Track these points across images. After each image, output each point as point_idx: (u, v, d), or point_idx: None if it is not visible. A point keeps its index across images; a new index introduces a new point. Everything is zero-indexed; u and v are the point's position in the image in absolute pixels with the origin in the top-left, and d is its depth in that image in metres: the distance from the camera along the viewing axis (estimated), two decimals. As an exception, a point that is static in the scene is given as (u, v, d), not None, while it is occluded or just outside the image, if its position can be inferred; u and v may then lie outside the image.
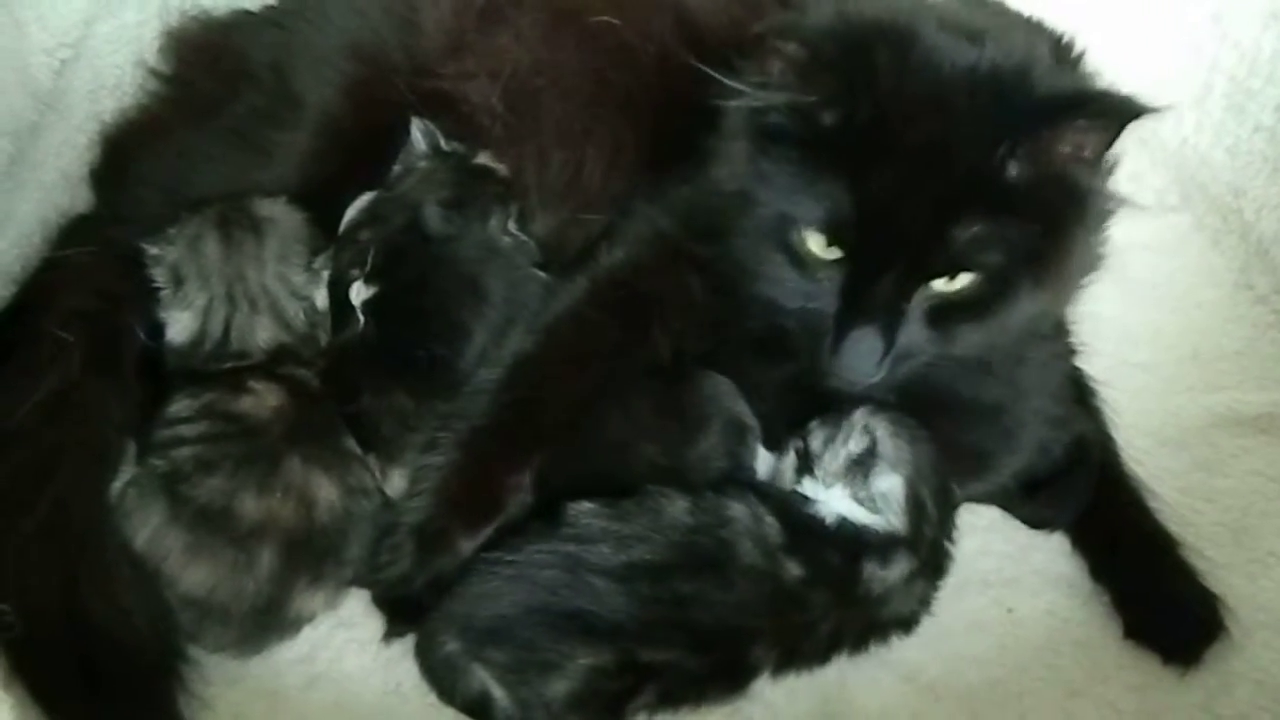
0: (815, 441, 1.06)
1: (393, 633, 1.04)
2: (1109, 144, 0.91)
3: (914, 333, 0.95)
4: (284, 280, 1.13)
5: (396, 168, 1.21)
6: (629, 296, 1.11)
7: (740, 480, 1.07)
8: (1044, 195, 0.90)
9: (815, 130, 0.91)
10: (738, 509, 1.01)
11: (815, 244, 0.94)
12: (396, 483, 1.09)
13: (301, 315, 1.14)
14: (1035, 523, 1.17)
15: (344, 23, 1.31)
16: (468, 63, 1.23)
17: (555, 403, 1.07)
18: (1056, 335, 1.19)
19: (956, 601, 1.11)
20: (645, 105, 1.20)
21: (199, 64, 1.33)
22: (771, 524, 1.00)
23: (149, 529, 1.02)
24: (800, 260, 0.95)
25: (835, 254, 0.94)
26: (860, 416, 1.05)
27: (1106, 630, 1.10)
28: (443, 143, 1.21)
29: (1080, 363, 1.25)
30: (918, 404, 1.08)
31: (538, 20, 1.24)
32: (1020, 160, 0.88)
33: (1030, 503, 1.17)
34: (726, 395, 1.11)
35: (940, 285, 0.93)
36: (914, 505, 1.02)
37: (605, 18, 1.21)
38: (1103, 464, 1.17)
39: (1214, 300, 1.44)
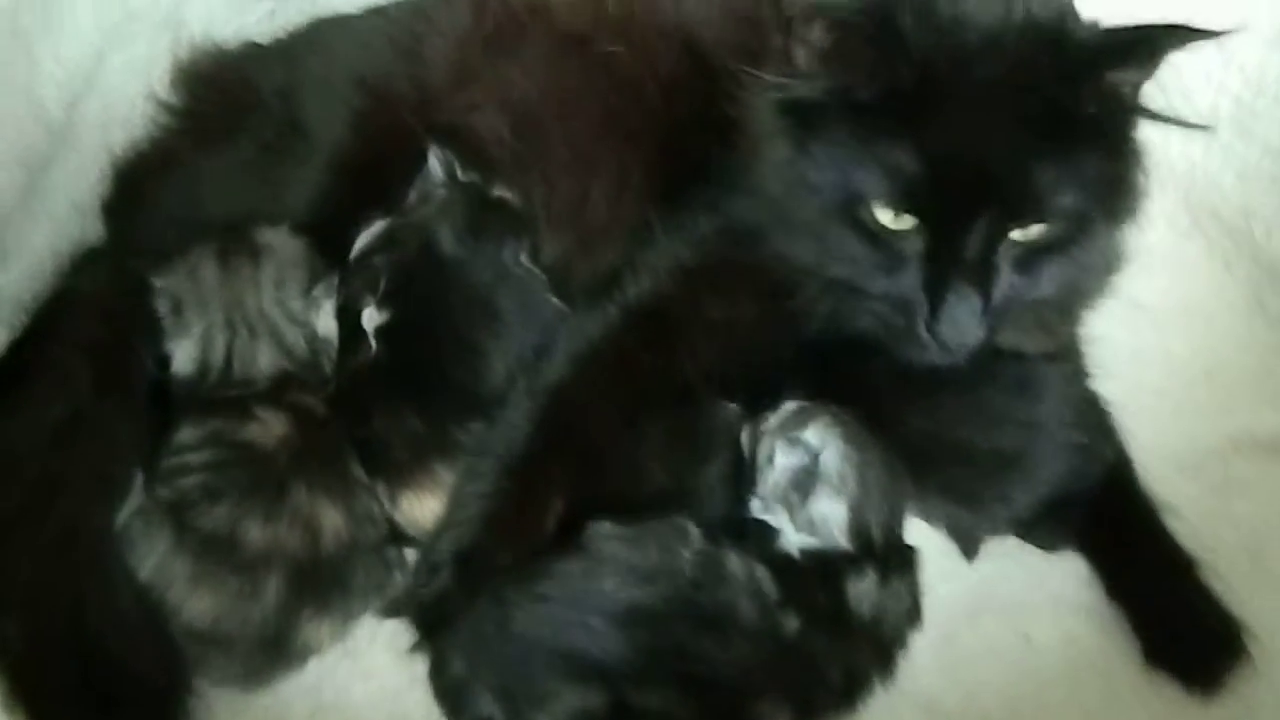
0: (762, 449, 1.04)
1: (421, 648, 1.03)
2: (1152, 71, 0.93)
3: (1007, 285, 0.95)
4: (281, 306, 1.13)
5: (412, 195, 1.21)
6: (658, 326, 1.12)
7: (735, 523, 1.06)
8: (1107, 128, 0.93)
9: (861, 105, 0.91)
10: (734, 564, 0.98)
11: (886, 216, 0.93)
12: (407, 508, 1.08)
13: (302, 342, 1.13)
14: (1048, 545, 1.16)
15: (350, 55, 1.32)
16: (475, 93, 1.24)
17: (593, 430, 1.08)
18: (1069, 356, 1.18)
19: (973, 628, 1.09)
20: (651, 132, 1.20)
21: (209, 96, 1.34)
22: (764, 576, 0.98)
23: (154, 558, 1.01)
24: (874, 236, 0.95)
25: (909, 222, 0.93)
26: (812, 430, 1.03)
27: (1126, 656, 1.07)
28: (459, 172, 1.21)
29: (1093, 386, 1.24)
30: (933, 461, 1.08)
31: (544, 50, 1.25)
32: (1085, 98, 0.90)
33: (1041, 525, 1.15)
34: (737, 425, 1.11)
35: (1022, 234, 0.93)
36: (858, 533, 1.01)
37: (611, 47, 1.21)
38: (1120, 485, 1.16)
39: (1227, 323, 1.42)
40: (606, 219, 1.21)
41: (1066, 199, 0.92)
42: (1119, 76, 0.91)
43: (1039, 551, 1.16)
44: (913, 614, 1.01)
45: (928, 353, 0.98)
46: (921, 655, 1.05)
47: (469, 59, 1.26)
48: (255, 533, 1.01)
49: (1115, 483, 1.16)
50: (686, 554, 0.97)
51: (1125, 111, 0.94)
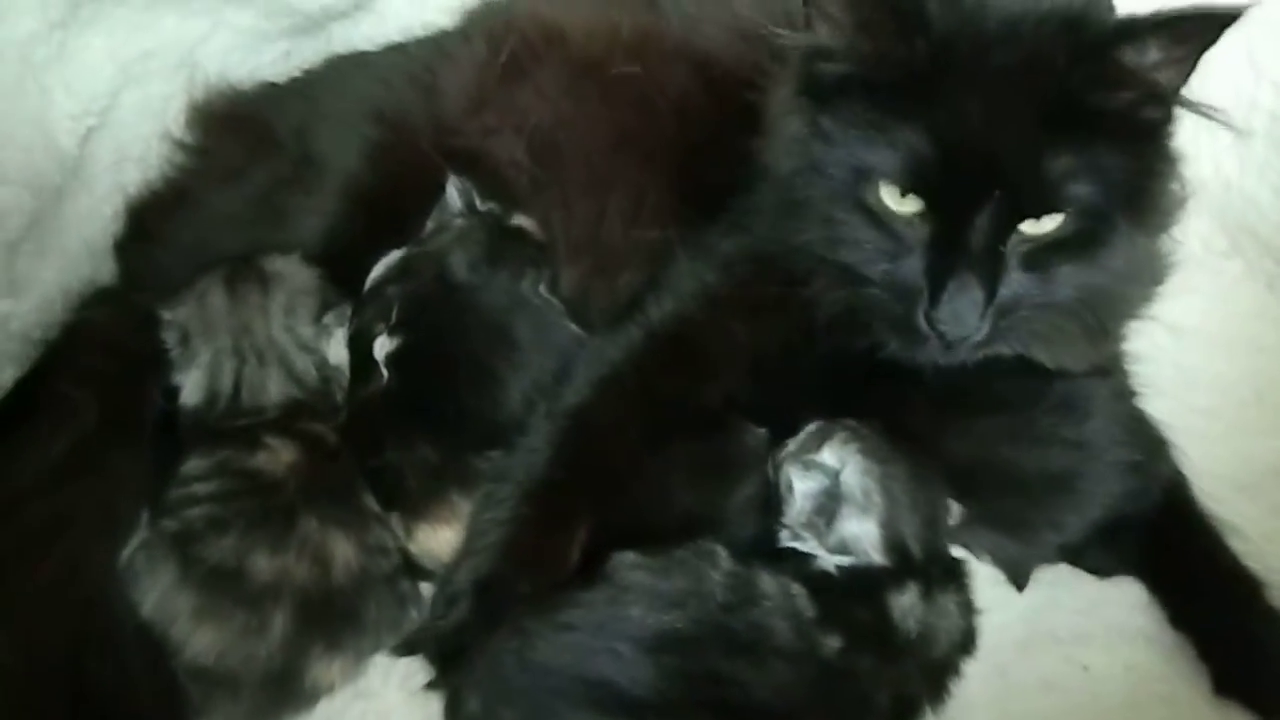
0: (782, 477, 1.00)
1: (437, 685, 0.97)
2: (1187, 66, 0.87)
3: (1014, 282, 0.91)
4: (291, 333, 1.10)
5: (430, 224, 1.19)
6: (681, 349, 1.09)
7: (767, 545, 1.01)
8: (1129, 123, 0.89)
9: (876, 83, 0.89)
10: (768, 583, 0.93)
11: (892, 196, 0.91)
12: (423, 539, 1.04)
13: (312, 369, 1.10)
14: (1102, 571, 1.09)
15: (367, 89, 1.31)
16: (491, 118, 1.22)
17: (617, 454, 1.05)
18: (1114, 374, 1.12)
19: (1026, 659, 1.03)
20: (667, 153, 1.18)
21: (224, 134, 1.33)
22: (800, 595, 0.93)
23: (158, 591, 0.97)
24: (879, 219, 0.92)
25: (916, 205, 0.91)
26: (828, 451, 0.99)
27: (1193, 685, 1.01)
28: (478, 201, 1.19)
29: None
30: (982, 487, 1.03)
31: (559, 75, 1.23)
32: (1103, 86, 0.87)
33: (1095, 550, 1.08)
34: (764, 449, 1.06)
35: (1033, 228, 0.90)
36: (893, 548, 0.96)
37: (625, 69, 1.20)
38: (1178, 505, 1.09)
39: (1274, 344, 1.37)
40: (623, 241, 1.18)
41: (1081, 190, 0.88)
42: (1137, 60, 0.86)
43: (1092, 578, 1.10)
44: (966, 636, 0.95)
45: (926, 347, 0.95)
46: (972, 687, 0.98)
47: (486, 87, 1.24)
48: (263, 564, 0.96)
49: (1172, 503, 1.09)
50: (716, 576, 0.91)
51: (1148, 101, 0.89)
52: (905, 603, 0.92)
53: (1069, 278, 0.93)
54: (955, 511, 1.01)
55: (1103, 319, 1.02)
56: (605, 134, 1.19)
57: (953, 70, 0.87)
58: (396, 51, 1.37)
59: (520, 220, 1.20)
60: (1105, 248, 0.93)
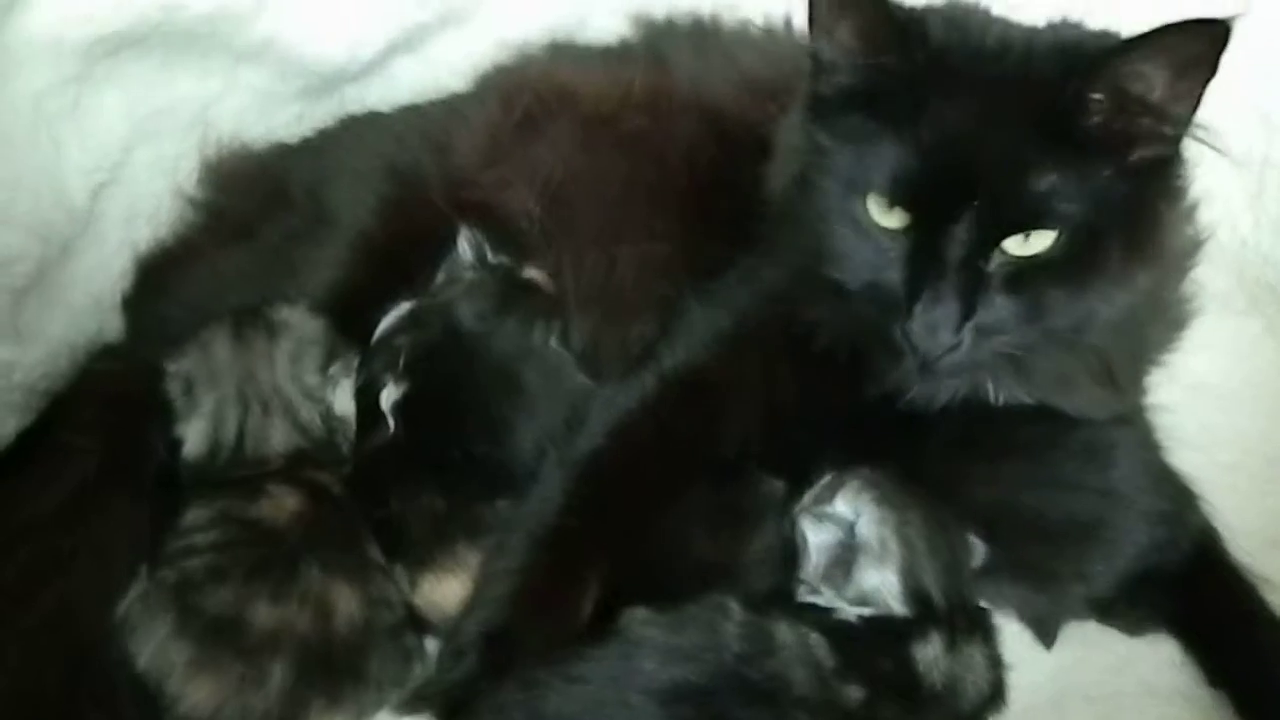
0: (797, 532, 0.98)
1: None
2: (1185, 89, 0.85)
3: (997, 304, 0.89)
4: (297, 381, 1.08)
5: (440, 276, 1.18)
6: (695, 396, 1.07)
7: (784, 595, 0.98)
8: (1123, 146, 0.87)
9: (873, 93, 0.89)
10: (785, 633, 0.90)
11: (880, 209, 0.91)
12: (428, 591, 1.01)
13: (318, 419, 1.08)
14: (1134, 629, 1.05)
15: (380, 147, 1.32)
16: (504, 171, 1.22)
17: (629, 504, 1.02)
18: (1137, 422, 1.10)
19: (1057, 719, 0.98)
20: (677, 203, 1.18)
21: (236, 191, 1.34)
22: (819, 643, 0.89)
23: (154, 643, 0.93)
24: (866, 232, 0.92)
25: (902, 219, 0.90)
26: (841, 501, 0.96)
27: (1232, 746, 0.96)
28: (489, 254, 1.19)
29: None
30: (1005, 535, 1.00)
31: (572, 130, 1.23)
32: (1094, 106, 0.85)
33: (1125, 606, 1.04)
34: (781, 500, 1.04)
35: (1018, 247, 0.88)
36: (915, 597, 0.92)
37: (636, 122, 1.20)
38: (1210, 558, 1.06)
39: (1298, 400, 1.34)
40: (635, 292, 1.17)
41: (1069, 209, 0.86)
42: (1131, 78, 0.84)
43: (1123, 635, 1.06)
44: (995, 690, 0.91)
45: (904, 367, 0.93)
46: (1004, 751, 0.94)
47: (499, 142, 1.25)
48: (263, 613, 0.93)
49: (1204, 557, 1.06)
50: (730, 628, 0.88)
51: (1147, 123, 0.87)
52: (930, 653, 0.88)
53: (1061, 305, 0.90)
54: (979, 551, 0.98)
55: (1109, 359, 1.00)
56: (617, 185, 1.20)
57: (944, 82, 0.87)
58: (410, 111, 1.39)
59: (532, 273, 1.20)
60: (1100, 277, 0.90)
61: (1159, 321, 1.05)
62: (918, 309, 0.88)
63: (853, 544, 0.94)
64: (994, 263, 0.88)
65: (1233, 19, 0.80)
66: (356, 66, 1.42)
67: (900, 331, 0.90)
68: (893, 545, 0.93)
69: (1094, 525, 1.00)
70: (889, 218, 0.91)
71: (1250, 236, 1.44)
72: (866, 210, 0.91)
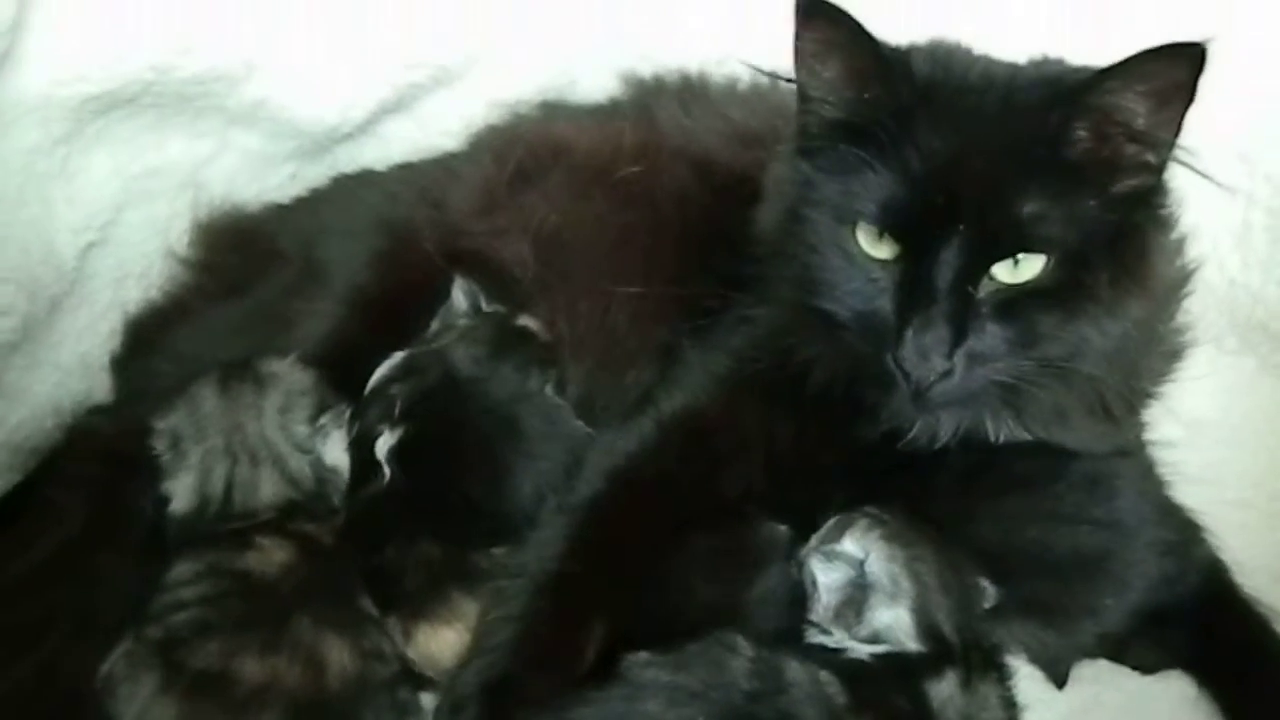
0: (805, 574, 0.96)
1: None
2: (1165, 116, 0.86)
3: (989, 330, 0.89)
4: (286, 432, 1.06)
5: (435, 324, 1.18)
6: (693, 440, 1.07)
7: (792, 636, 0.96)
8: (1107, 174, 0.88)
9: (860, 125, 0.90)
10: (795, 670, 0.88)
11: (869, 239, 0.92)
12: (423, 642, 0.98)
13: (307, 470, 1.06)
14: (1147, 666, 1.02)
15: (374, 203, 1.33)
16: (498, 220, 1.23)
17: (631, 548, 1.01)
18: (1138, 456, 1.09)
19: (1072, 760, 0.95)
20: (670, 248, 1.18)
21: (228, 249, 1.34)
22: (830, 681, 0.87)
23: (139, 702, 0.90)
24: (856, 262, 0.92)
25: (892, 249, 0.91)
26: (849, 540, 0.95)
27: (1254, 783, 0.93)
28: (484, 303, 1.19)
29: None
30: (1012, 571, 0.99)
31: (565, 180, 1.24)
32: (1077, 134, 0.87)
33: (1134, 644, 1.02)
34: (786, 540, 1.02)
35: (1007, 274, 0.88)
36: (928, 634, 0.91)
37: (629, 169, 1.21)
38: (1220, 592, 1.05)
39: (1299, 435, 1.34)
40: (629, 337, 1.17)
41: (1055, 234, 0.87)
42: (1112, 103, 0.86)
43: (1135, 674, 1.04)
44: (1011, 730, 0.88)
45: (897, 397, 0.93)
46: (1016, 793, 0.91)
47: (493, 194, 1.26)
48: (251, 667, 0.90)
49: (1214, 591, 1.05)
50: (738, 664, 0.85)
51: (1126, 157, 0.88)
52: (944, 691, 0.86)
53: (1052, 332, 0.90)
54: (990, 593, 0.96)
55: (1103, 391, 0.99)
56: (610, 233, 1.20)
57: (930, 113, 0.89)
58: (403, 169, 1.40)
59: (527, 321, 1.19)
60: (1091, 303, 0.90)
61: (1153, 353, 1.05)
62: (908, 334, 0.88)
63: (863, 582, 0.92)
64: (984, 289, 0.89)
65: (1207, 42, 0.82)
66: (348, 127, 1.43)
67: (892, 359, 0.90)
68: (904, 582, 0.91)
69: (1101, 557, 0.99)
70: (878, 248, 0.91)
71: (1239, 276, 1.45)
72: (856, 240, 0.92)
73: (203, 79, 1.26)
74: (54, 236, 1.19)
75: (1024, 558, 0.99)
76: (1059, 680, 1.00)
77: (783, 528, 1.03)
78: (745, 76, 1.40)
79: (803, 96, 0.95)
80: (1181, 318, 1.09)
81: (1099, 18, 1.36)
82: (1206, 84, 0.86)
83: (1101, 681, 1.03)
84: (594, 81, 1.50)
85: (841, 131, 0.92)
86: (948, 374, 0.88)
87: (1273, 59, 1.35)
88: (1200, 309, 1.43)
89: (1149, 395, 1.08)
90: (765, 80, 1.37)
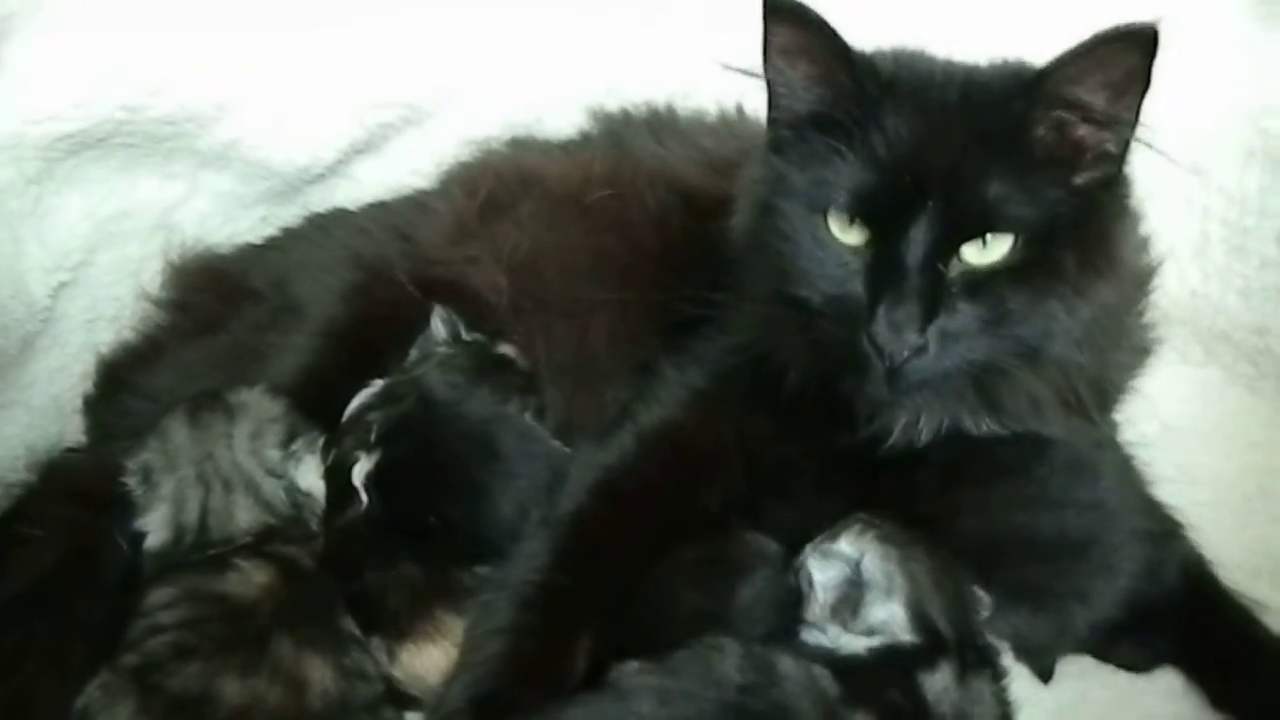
0: (801, 576, 0.96)
1: None
2: (1123, 102, 0.89)
3: (960, 309, 0.91)
4: (258, 457, 1.05)
5: (414, 353, 1.18)
6: (673, 452, 1.07)
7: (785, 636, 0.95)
8: (1070, 161, 0.91)
9: (826, 116, 0.93)
10: (787, 664, 0.87)
11: (840, 227, 0.94)
12: (408, 661, 0.97)
13: (281, 494, 1.05)
14: (1137, 665, 1.02)
15: (346, 239, 1.33)
16: (471, 249, 1.23)
17: (616, 559, 1.01)
18: (1115, 448, 1.10)
19: (1064, 756, 0.95)
20: (646, 269, 1.20)
21: (201, 289, 1.34)
22: (823, 674, 0.87)
23: (115, 730, 0.88)
24: (828, 249, 0.94)
25: (863, 235, 0.93)
26: (845, 541, 0.96)
27: (1248, 770, 0.93)
28: (463, 332, 1.19)
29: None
30: (1000, 559, 0.99)
31: (537, 207, 1.26)
32: (1039, 122, 0.89)
33: (1123, 642, 1.02)
34: (770, 549, 1.02)
35: (976, 255, 0.91)
36: (922, 626, 0.91)
37: (601, 193, 1.23)
38: (1203, 585, 1.06)
39: (1267, 440, 1.36)
40: (608, 358, 1.18)
41: (1021, 214, 0.89)
42: (1071, 88, 0.89)
43: (1119, 670, 1.03)
44: (1005, 726, 0.87)
45: (872, 377, 0.93)
46: (1010, 790, 0.90)
47: (464, 224, 1.27)
48: (231, 689, 0.88)
49: (1197, 584, 1.06)
50: (729, 663, 0.85)
51: (1088, 141, 0.91)
52: (939, 684, 0.86)
53: (1022, 311, 0.92)
54: (985, 604, 0.96)
55: (1074, 380, 1.01)
56: (585, 256, 1.21)
57: (895, 102, 0.92)
58: (374, 206, 1.41)
59: (505, 349, 1.20)
60: (1059, 283, 0.92)
61: (1122, 346, 1.07)
62: (880, 310, 0.90)
63: (859, 580, 0.92)
64: (954, 269, 0.91)
65: (1158, 22, 0.85)
66: (320, 168, 1.44)
67: (866, 338, 0.91)
68: (899, 579, 0.92)
69: (1087, 541, 1.00)
70: (849, 234, 0.94)
71: (1200, 287, 1.48)
72: (828, 227, 0.94)
73: (174, 119, 1.28)
74: (25, 275, 1.19)
75: (1012, 544, 1.00)
76: (1045, 673, 1.00)
77: (767, 539, 1.03)
78: (712, 110, 1.43)
79: (772, 94, 0.98)
80: (1148, 313, 1.11)
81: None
82: (1159, 100, 0.90)
83: (1089, 678, 1.03)
84: (561, 120, 1.52)
85: (810, 124, 0.95)
86: (921, 351, 0.90)
87: (1221, 73, 1.39)
88: (1164, 322, 1.46)
89: (1120, 390, 1.09)
90: (733, 112, 1.41)
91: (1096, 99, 0.89)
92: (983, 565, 0.96)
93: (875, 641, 0.89)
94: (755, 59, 0.98)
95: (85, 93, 1.19)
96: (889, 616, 0.90)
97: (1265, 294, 1.39)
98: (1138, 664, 1.03)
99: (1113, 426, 1.13)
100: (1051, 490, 1.00)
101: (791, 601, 0.96)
